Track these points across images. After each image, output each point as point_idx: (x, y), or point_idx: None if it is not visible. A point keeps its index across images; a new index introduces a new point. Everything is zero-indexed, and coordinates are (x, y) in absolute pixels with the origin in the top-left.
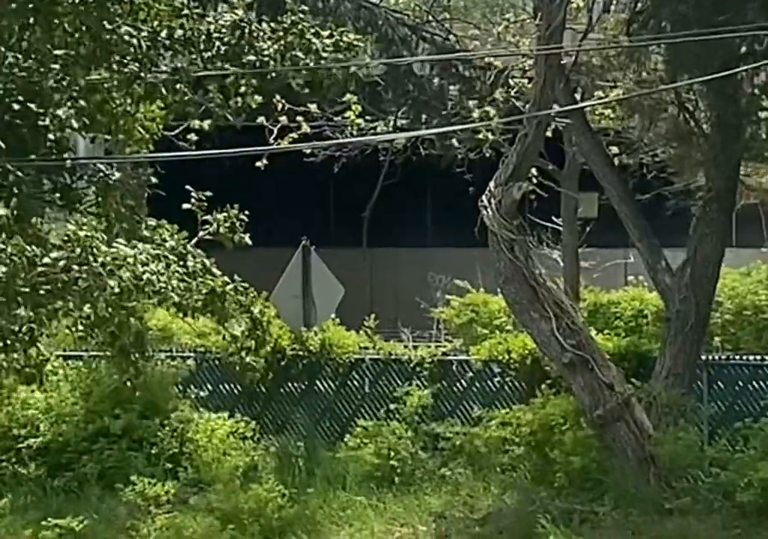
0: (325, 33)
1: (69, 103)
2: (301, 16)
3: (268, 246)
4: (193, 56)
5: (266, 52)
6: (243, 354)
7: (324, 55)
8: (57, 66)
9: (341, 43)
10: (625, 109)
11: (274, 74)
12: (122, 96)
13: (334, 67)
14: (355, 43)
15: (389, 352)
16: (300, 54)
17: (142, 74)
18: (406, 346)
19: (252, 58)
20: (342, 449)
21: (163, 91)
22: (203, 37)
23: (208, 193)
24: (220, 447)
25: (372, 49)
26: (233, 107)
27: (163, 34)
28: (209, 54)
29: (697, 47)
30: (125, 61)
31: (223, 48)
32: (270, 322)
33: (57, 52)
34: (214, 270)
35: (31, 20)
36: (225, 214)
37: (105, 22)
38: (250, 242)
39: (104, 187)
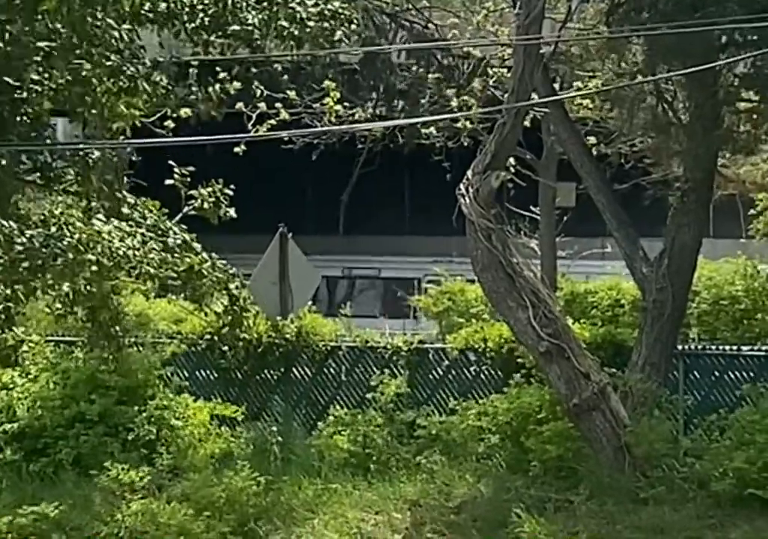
0: (310, 2)
1: (49, 95)
2: None
3: (245, 233)
4: (177, 29)
5: (250, 22)
6: (225, 331)
7: (310, 24)
8: (38, 58)
9: (326, 12)
10: (603, 99)
11: (258, 44)
12: (103, 89)
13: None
14: (340, 11)
15: (366, 340)
16: (285, 23)
17: (124, 67)
18: (382, 334)
19: (236, 27)
20: (318, 436)
21: (145, 85)
22: (186, 8)
23: (191, 168)
24: (196, 433)
25: (350, 34)
26: (213, 95)
27: (146, 7)
28: (193, 25)
29: (677, 38)
30: (107, 53)
31: (206, 19)
32: (247, 299)
33: (39, 43)
34: (195, 245)
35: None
36: (209, 189)
37: (88, 13)
38: (234, 215)
39: (84, 165)
